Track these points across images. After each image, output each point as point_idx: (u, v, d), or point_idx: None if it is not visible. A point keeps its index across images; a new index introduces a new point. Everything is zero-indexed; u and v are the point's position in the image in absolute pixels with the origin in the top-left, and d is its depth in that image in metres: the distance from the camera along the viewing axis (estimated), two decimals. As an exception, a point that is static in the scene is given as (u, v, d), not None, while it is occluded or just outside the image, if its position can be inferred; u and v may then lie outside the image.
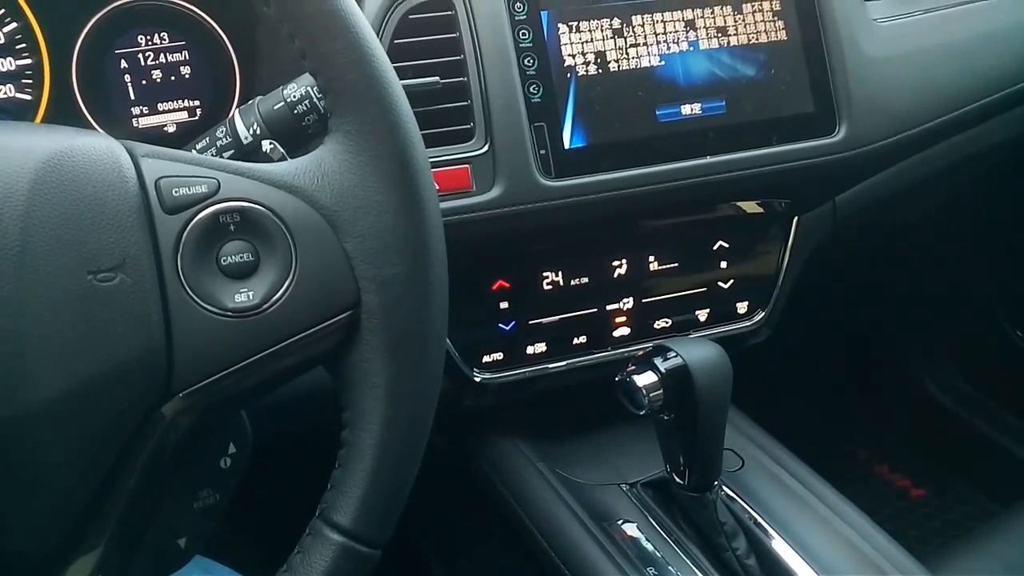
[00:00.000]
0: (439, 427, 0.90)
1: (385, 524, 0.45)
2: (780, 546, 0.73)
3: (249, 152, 0.54)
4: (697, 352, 0.69)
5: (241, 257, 0.43)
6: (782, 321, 0.89)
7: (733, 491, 0.77)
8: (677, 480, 0.75)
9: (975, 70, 0.86)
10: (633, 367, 0.70)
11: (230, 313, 0.42)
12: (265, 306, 0.43)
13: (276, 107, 0.54)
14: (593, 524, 0.75)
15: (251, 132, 0.54)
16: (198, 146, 0.56)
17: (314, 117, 0.53)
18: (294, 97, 0.54)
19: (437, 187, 0.68)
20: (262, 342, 0.42)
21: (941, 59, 0.84)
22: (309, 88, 0.53)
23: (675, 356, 0.69)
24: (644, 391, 0.68)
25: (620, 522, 0.76)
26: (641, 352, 0.71)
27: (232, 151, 0.54)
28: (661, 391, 0.68)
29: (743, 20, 0.76)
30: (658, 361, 0.69)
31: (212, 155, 0.55)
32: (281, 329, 0.43)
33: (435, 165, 0.69)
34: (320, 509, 0.45)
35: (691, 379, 0.68)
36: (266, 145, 0.52)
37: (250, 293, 0.42)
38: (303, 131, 0.54)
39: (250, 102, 0.55)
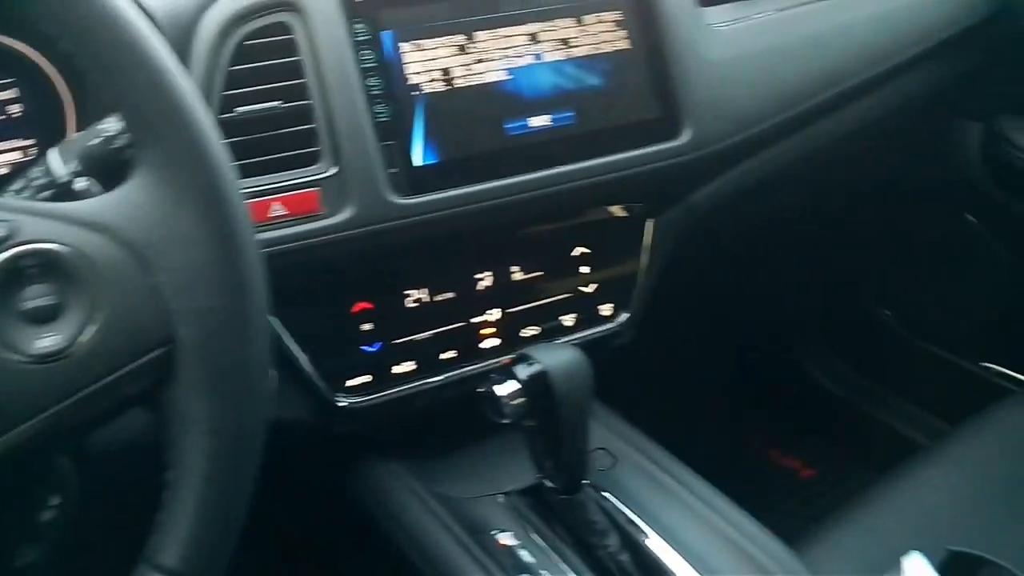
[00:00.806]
0: (311, 452, 0.89)
1: (215, 564, 0.44)
2: (652, 539, 0.75)
3: (66, 190, 0.52)
4: (556, 358, 0.71)
5: (44, 301, 0.41)
6: (655, 320, 0.91)
7: (605, 490, 0.79)
8: (548, 484, 0.76)
9: (810, 69, 0.90)
10: (494, 377, 0.71)
11: (33, 360, 0.41)
12: (71, 349, 0.41)
13: (92, 143, 0.52)
14: (470, 538, 0.75)
15: (68, 170, 0.52)
16: (14, 187, 0.54)
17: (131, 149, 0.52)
18: (110, 132, 0.52)
19: (287, 211, 0.69)
20: (70, 387, 0.41)
21: (777, 60, 0.87)
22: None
23: (535, 363, 0.70)
24: (505, 400, 0.69)
25: (495, 533, 0.76)
26: (505, 362, 0.73)
27: (49, 191, 0.53)
28: (523, 399, 0.70)
29: (585, 31, 0.78)
30: (518, 370, 0.70)
31: (28, 196, 0.53)
32: (89, 371, 0.42)
33: (283, 190, 0.69)
34: (145, 554, 0.44)
35: (551, 384, 0.69)
36: (81, 183, 0.50)
37: (55, 337, 0.41)
38: (123, 165, 0.52)
39: (67, 139, 0.54)
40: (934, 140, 1.27)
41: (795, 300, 1.51)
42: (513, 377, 0.70)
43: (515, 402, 0.69)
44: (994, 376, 1.35)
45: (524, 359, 0.71)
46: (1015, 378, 1.31)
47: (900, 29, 0.99)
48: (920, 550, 0.74)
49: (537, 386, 0.70)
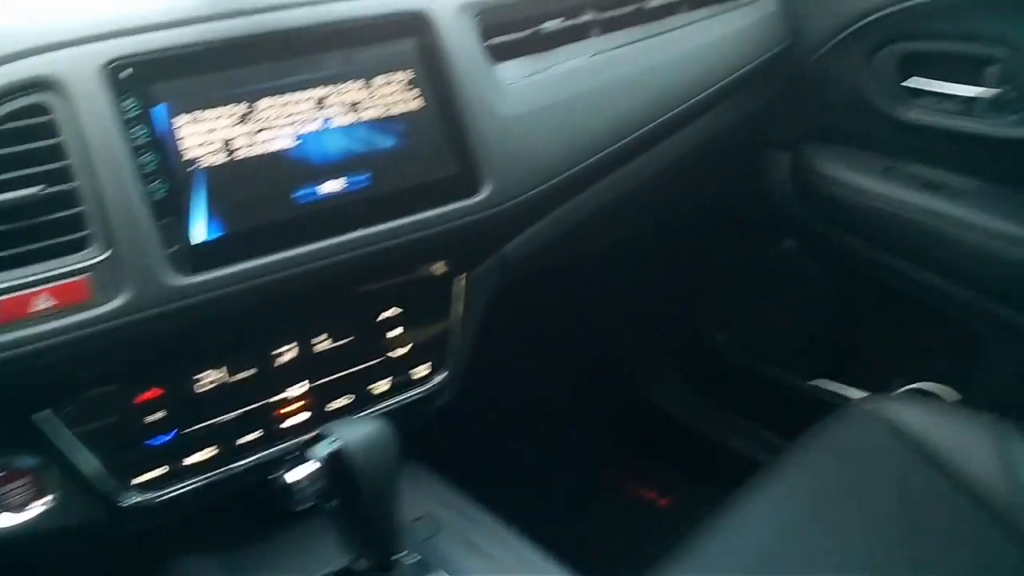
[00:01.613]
0: (111, 552, 0.83)
1: None
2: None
3: None
4: (355, 433, 0.68)
5: None
6: (488, 372, 0.90)
7: (425, 561, 0.77)
8: (360, 565, 0.73)
9: (608, 117, 0.92)
10: (287, 462, 0.67)
11: None
12: None
13: None
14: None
15: None
16: None
17: None
18: None
19: (55, 302, 0.64)
20: None
21: (575, 110, 0.89)
22: None
23: (334, 441, 0.67)
24: (297, 487, 0.65)
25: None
26: (304, 442, 0.69)
27: None
28: (321, 482, 0.66)
29: (375, 93, 0.76)
30: (314, 451, 0.67)
31: None
32: None
33: (50, 280, 0.64)
34: None
35: (350, 462, 0.67)
36: None
37: None
38: None
39: None
40: (747, 170, 1.32)
41: (635, 332, 1.54)
42: (307, 459, 0.67)
43: (313, 485, 0.66)
44: (823, 392, 1.41)
45: (321, 438, 0.68)
46: (841, 393, 1.38)
47: (697, 70, 1.03)
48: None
49: (335, 465, 0.67)
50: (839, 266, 1.35)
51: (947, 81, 1.09)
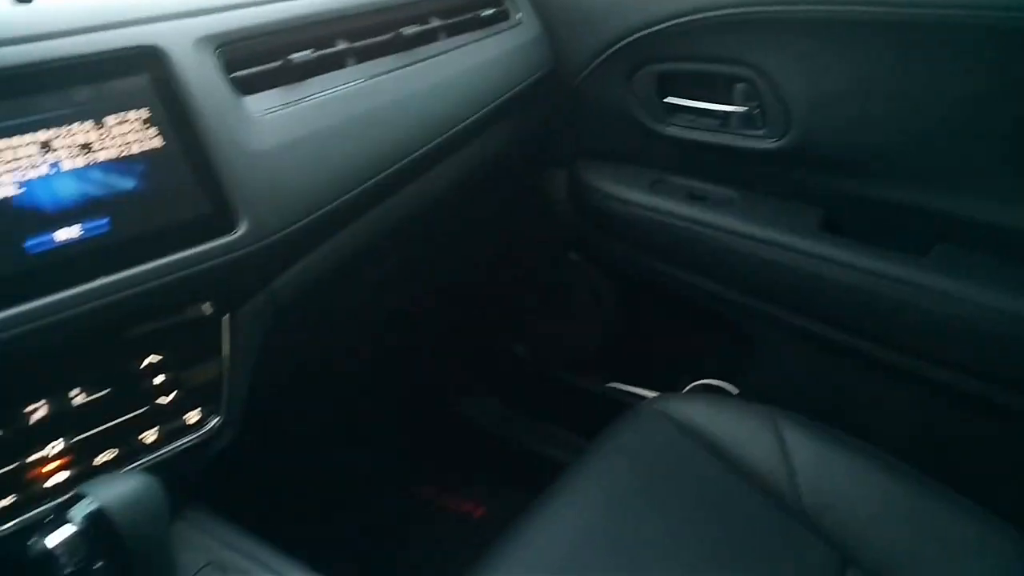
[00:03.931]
0: None
1: None
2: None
3: None
4: (115, 490, 0.65)
5: None
6: (268, 414, 0.88)
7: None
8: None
9: (371, 146, 0.92)
10: (46, 524, 0.63)
11: None
12: None
13: None
14: None
15: None
16: None
17: None
18: None
19: None
20: None
21: (331, 141, 0.88)
22: None
23: (90, 502, 0.64)
24: (56, 553, 0.62)
25: None
26: (59, 503, 0.65)
27: None
28: (82, 546, 0.63)
29: (109, 133, 0.73)
30: (70, 513, 0.63)
31: None
32: None
33: None
34: None
35: (112, 522, 0.64)
36: None
37: None
38: None
39: None
40: (527, 188, 1.37)
41: (439, 348, 1.56)
42: (66, 522, 0.63)
43: (74, 550, 0.63)
44: (620, 394, 1.47)
45: (79, 498, 0.64)
46: (636, 394, 1.44)
47: (460, 96, 1.05)
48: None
49: (97, 526, 0.63)
50: (620, 274, 1.42)
51: (702, 100, 1.18)
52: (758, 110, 1.12)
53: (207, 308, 0.81)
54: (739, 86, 1.12)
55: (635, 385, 1.46)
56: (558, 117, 1.29)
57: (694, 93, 1.18)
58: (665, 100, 1.20)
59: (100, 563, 0.65)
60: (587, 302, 1.48)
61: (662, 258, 1.30)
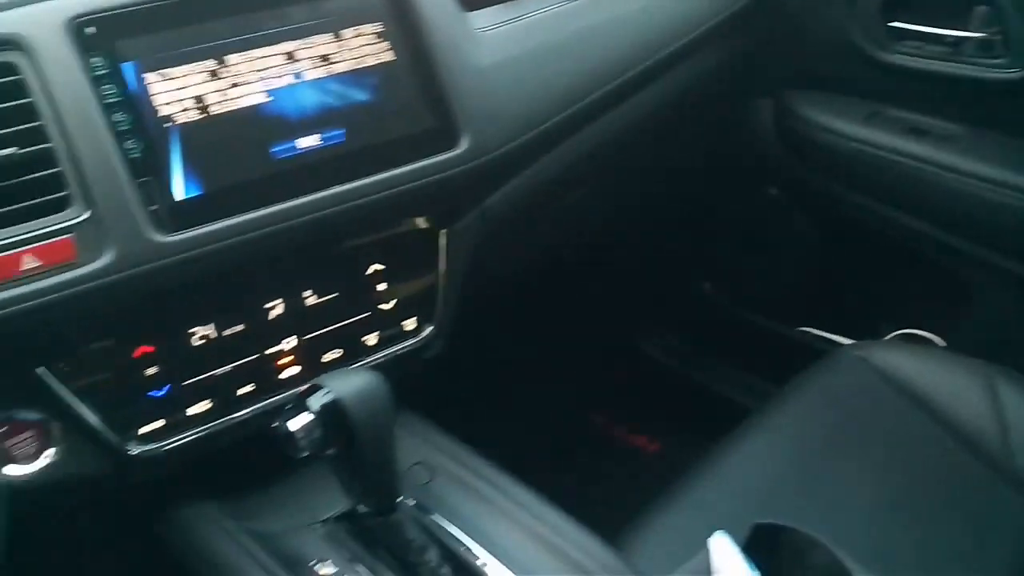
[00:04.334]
0: (117, 503, 0.85)
1: None
2: (472, 550, 0.75)
3: None
4: (349, 384, 0.69)
5: None
6: (477, 323, 0.91)
7: (423, 505, 0.78)
8: (362, 509, 0.75)
9: (585, 66, 0.92)
10: (287, 411, 0.68)
11: None
12: None
13: None
14: (287, 572, 0.73)
15: None
16: None
17: None
18: None
19: (40, 262, 0.65)
20: None
21: (550, 59, 0.88)
22: None
23: (327, 392, 0.68)
24: (299, 435, 0.67)
25: (314, 563, 0.75)
26: (300, 392, 0.70)
27: None
28: (319, 431, 0.68)
29: (346, 46, 0.76)
30: (311, 401, 0.68)
31: None
32: None
33: (34, 240, 0.64)
34: None
35: (345, 412, 0.68)
36: None
37: None
38: None
39: None
40: (729, 119, 1.32)
41: (625, 281, 1.55)
42: (304, 410, 0.68)
43: (310, 435, 0.68)
44: (812, 339, 1.42)
45: (316, 389, 0.69)
46: (830, 339, 1.39)
47: (672, 18, 1.02)
48: (734, 525, 0.76)
49: (332, 415, 0.68)
50: (824, 213, 1.36)
51: (933, 25, 1.09)
52: (999, 36, 1.03)
53: (426, 221, 0.84)
54: (979, 8, 1.03)
55: (828, 331, 1.40)
56: (768, 42, 1.23)
57: (923, 16, 1.10)
58: (890, 24, 1.12)
59: (332, 450, 0.70)
60: (783, 240, 1.43)
61: (874, 196, 1.22)
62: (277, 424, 0.68)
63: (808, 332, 1.42)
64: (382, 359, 0.85)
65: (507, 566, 0.74)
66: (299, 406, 0.68)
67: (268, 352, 0.79)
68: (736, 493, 0.91)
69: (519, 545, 0.76)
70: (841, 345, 1.25)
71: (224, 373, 0.77)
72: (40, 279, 0.65)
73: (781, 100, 1.27)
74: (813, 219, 1.38)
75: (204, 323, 0.75)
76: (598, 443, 1.55)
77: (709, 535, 0.77)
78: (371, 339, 0.84)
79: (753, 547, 0.74)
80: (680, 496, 0.91)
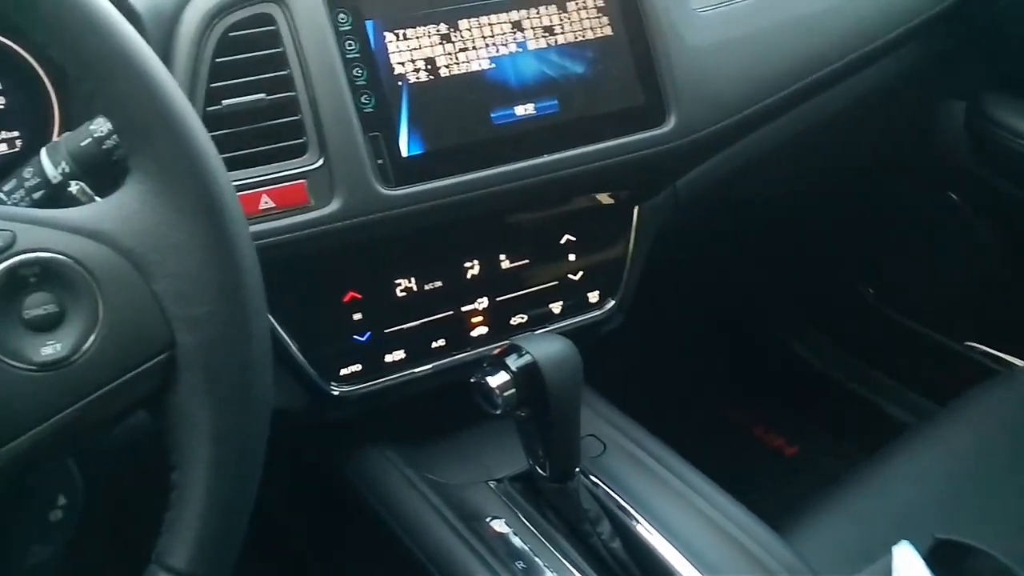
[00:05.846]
0: (307, 440, 0.90)
1: (222, 563, 0.45)
2: (642, 526, 0.76)
3: (59, 193, 0.52)
4: (546, 348, 0.71)
5: (46, 309, 0.42)
6: (642, 304, 0.92)
7: (596, 477, 0.80)
8: (540, 472, 0.77)
9: (793, 53, 0.90)
10: (486, 368, 0.71)
11: (37, 367, 0.41)
12: (74, 357, 0.42)
13: (83, 143, 0.52)
14: (461, 524, 0.76)
15: (60, 171, 0.52)
16: (5, 188, 0.54)
17: (123, 152, 0.52)
18: (101, 132, 0.52)
19: (275, 203, 0.69)
20: (74, 394, 0.42)
21: (761, 45, 0.87)
22: None
23: (525, 354, 0.70)
24: (497, 392, 0.69)
25: (488, 519, 0.77)
26: (496, 352, 0.73)
27: (42, 191, 0.53)
28: (514, 390, 0.70)
29: (569, 18, 0.78)
30: (509, 361, 0.70)
31: (21, 196, 0.53)
32: (93, 379, 0.42)
33: (271, 182, 0.69)
34: (155, 555, 0.44)
35: (541, 375, 0.70)
36: (73, 187, 0.50)
37: (58, 345, 0.41)
38: (115, 166, 0.52)
39: (57, 139, 0.53)
40: (917, 119, 1.28)
41: (780, 278, 1.52)
42: (504, 368, 0.70)
43: (506, 393, 0.70)
44: (979, 356, 1.36)
45: (515, 350, 0.71)
46: (999, 358, 1.33)
47: (881, 11, 0.99)
48: (908, 536, 0.75)
49: (528, 377, 0.70)
50: (1011, 224, 1.29)
51: None
52: None
53: (623, 196, 0.85)
54: None
55: (999, 350, 1.34)
56: (967, 42, 1.18)
57: None
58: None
59: (524, 411, 0.72)
60: (957, 248, 1.37)
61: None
62: (475, 379, 0.71)
63: (975, 347, 1.36)
64: (564, 328, 0.86)
65: (677, 547, 0.74)
66: (497, 364, 0.71)
67: (462, 310, 0.82)
68: (904, 505, 0.88)
69: (690, 526, 0.76)
70: (1015, 366, 1.20)
71: (420, 325, 0.80)
72: (274, 219, 0.69)
73: (976, 103, 1.22)
74: (997, 229, 1.31)
75: (407, 276, 0.79)
76: (735, 438, 1.53)
77: (880, 543, 0.76)
78: (556, 307, 0.86)
79: (936, 560, 0.72)
80: (847, 502, 0.90)
